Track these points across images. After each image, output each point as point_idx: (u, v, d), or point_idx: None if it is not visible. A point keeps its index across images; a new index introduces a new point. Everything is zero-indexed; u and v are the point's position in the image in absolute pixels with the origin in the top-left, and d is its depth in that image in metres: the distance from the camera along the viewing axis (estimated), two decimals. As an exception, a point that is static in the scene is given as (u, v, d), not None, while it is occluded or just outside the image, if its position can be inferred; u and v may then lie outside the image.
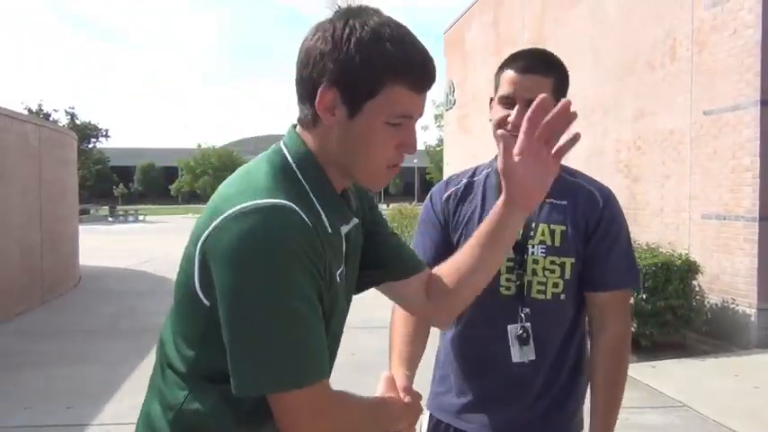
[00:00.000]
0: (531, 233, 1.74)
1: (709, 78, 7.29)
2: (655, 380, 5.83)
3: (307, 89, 1.16)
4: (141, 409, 1.31)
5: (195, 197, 59.49)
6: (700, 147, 7.47)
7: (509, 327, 1.74)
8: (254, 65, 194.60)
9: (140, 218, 39.60)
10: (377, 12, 1.16)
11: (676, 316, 6.56)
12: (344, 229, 1.22)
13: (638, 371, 6.10)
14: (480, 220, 1.68)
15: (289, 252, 1.07)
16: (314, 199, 1.16)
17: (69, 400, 5.06)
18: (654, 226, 8.32)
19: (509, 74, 1.71)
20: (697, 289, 7.22)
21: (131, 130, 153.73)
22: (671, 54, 8.00)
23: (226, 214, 1.09)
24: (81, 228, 13.27)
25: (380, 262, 1.39)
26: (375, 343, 6.76)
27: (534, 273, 1.74)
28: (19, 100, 77.89)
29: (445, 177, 1.92)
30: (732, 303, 6.93)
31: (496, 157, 1.76)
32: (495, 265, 1.39)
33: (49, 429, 4.52)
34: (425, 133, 42.05)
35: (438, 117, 30.95)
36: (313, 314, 1.10)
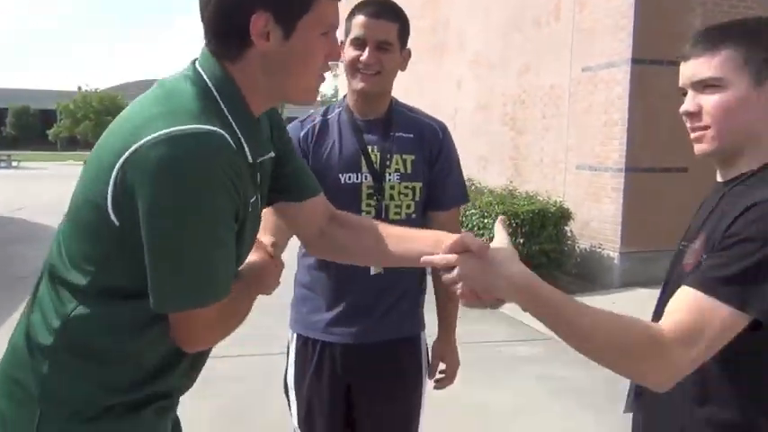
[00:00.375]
0: (388, 162, 1.97)
1: (588, 37, 7.72)
2: (526, 317, 6.26)
3: (231, 21, 1.16)
4: (11, 336, 1.27)
5: (75, 143, 56.10)
6: (577, 102, 7.94)
7: None
8: (138, 7, 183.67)
9: (14, 164, 36.97)
10: None
11: (549, 259, 7.06)
12: (259, 160, 1.25)
13: (513, 308, 6.52)
14: (339, 154, 1.97)
15: (215, 179, 1.10)
16: (235, 126, 1.17)
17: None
18: (534, 176, 8.80)
19: (360, 18, 1.90)
20: (569, 235, 7.79)
21: (5, 69, 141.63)
22: (555, 13, 8.37)
23: (153, 136, 1.08)
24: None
25: (282, 184, 1.41)
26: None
27: (391, 197, 1.98)
28: None
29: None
30: (599, 248, 7.53)
31: (345, 96, 2.04)
32: (396, 265, 1.55)
33: None
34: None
35: (333, 66, 30.60)
36: (230, 241, 1.16)
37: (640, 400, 1.36)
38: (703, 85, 1.23)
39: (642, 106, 7.05)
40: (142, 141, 1.08)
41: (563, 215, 7.26)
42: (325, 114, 2.04)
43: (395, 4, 1.97)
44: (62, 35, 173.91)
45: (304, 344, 2.03)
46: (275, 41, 1.16)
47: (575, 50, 7.96)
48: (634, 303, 6.61)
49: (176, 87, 1.18)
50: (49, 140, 58.30)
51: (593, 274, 7.58)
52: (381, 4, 1.93)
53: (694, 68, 1.24)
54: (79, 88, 52.06)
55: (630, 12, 6.98)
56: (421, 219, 2.02)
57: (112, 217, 1.13)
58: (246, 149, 1.19)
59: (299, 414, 2.05)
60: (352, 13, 1.94)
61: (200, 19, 1.20)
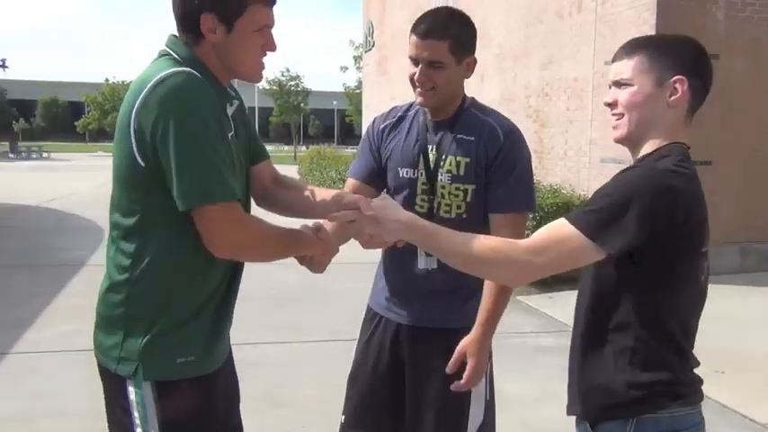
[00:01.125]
0: (441, 163, 2.08)
1: (610, 29, 7.73)
2: (551, 309, 6.38)
3: (188, 19, 1.54)
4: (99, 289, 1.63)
5: (103, 134, 56.82)
6: (601, 94, 7.96)
7: None
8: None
9: (45, 155, 37.71)
10: None
11: (573, 251, 7.13)
12: (230, 110, 1.62)
13: (538, 301, 6.65)
14: (402, 149, 2.13)
15: (206, 102, 1.48)
16: (206, 89, 1.52)
17: (-15, 331, 5.06)
18: (558, 169, 8.85)
19: (413, 38, 2.02)
20: (592, 227, 7.84)
21: (32, 62, 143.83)
22: (578, 4, 8.38)
23: (150, 84, 1.46)
24: (-19, 164, 12.63)
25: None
26: (297, 279, 7.08)
27: (442, 196, 2.08)
28: None
29: (368, 118, 2.21)
30: (622, 240, 7.56)
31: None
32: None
33: (-35, 359, 4.55)
34: (345, 75, 41.74)
35: (357, 59, 30.68)
36: (227, 155, 1.51)
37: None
38: (620, 84, 1.54)
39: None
40: (144, 91, 1.46)
41: (586, 207, 7.32)
42: (405, 111, 2.21)
43: (448, 19, 2.05)
44: (89, 24, 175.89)
45: (370, 315, 2.26)
46: (221, 35, 1.54)
47: (598, 42, 7.98)
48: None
49: (157, 64, 1.55)
50: (77, 132, 59.23)
51: (615, 266, 7.63)
52: (431, 23, 2.01)
53: (616, 69, 1.56)
54: (107, 80, 52.45)
55: (653, 4, 6.99)
56: (476, 220, 2.05)
57: (138, 158, 1.47)
58: (216, 97, 1.56)
59: (349, 373, 2.27)
60: (410, 31, 2.03)
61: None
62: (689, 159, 1.50)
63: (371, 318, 2.25)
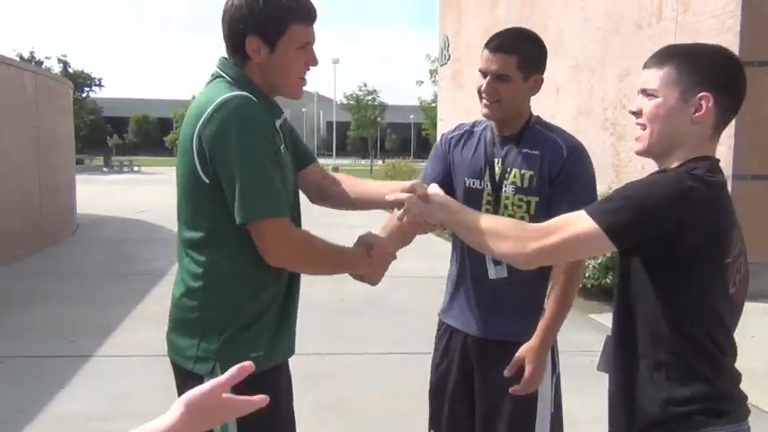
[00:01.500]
0: (506, 175, 2.17)
1: (692, 39, 7.46)
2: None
3: (235, 42, 1.68)
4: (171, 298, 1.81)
5: (190, 149, 58.96)
6: (680, 106, 7.69)
7: None
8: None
9: (135, 168, 39.65)
10: None
11: (649, 268, 6.88)
12: (278, 122, 1.76)
13: (610, 319, 6.45)
14: (470, 161, 2.25)
15: (262, 125, 1.63)
16: (254, 106, 1.66)
17: (72, 334, 5.39)
18: (635, 183, 8.58)
19: (484, 52, 2.13)
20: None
21: (126, 82, 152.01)
22: (657, 14, 8.14)
23: (210, 107, 1.59)
24: (77, 177, 13.45)
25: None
26: (362, 291, 7.05)
27: (506, 207, 2.16)
28: (10, 47, 76.50)
29: (441, 131, 2.31)
30: (703, 257, 7.24)
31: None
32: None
33: (54, 360, 4.85)
34: (420, 88, 41.92)
35: (433, 73, 30.79)
36: (277, 174, 1.65)
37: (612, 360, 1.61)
38: (647, 93, 1.50)
39: (751, 110, 6.74)
40: (205, 114, 1.60)
41: (664, 223, 7.06)
42: (474, 126, 2.33)
43: (520, 37, 2.17)
44: (176, 42, 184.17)
45: (443, 328, 2.34)
46: (264, 56, 1.67)
47: (678, 53, 7.71)
48: (754, 320, 6.32)
49: (214, 87, 1.68)
50: (165, 147, 62.00)
51: (696, 284, 7.31)
52: (503, 38, 2.12)
53: (645, 77, 1.52)
54: (193, 97, 54.68)
55: (738, 11, 6.70)
56: None
57: (202, 176, 1.62)
58: (269, 114, 1.71)
59: (429, 385, 2.36)
60: (484, 45, 2.15)
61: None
62: (717, 171, 1.48)
63: (444, 330, 2.33)
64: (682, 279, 1.42)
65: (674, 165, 1.50)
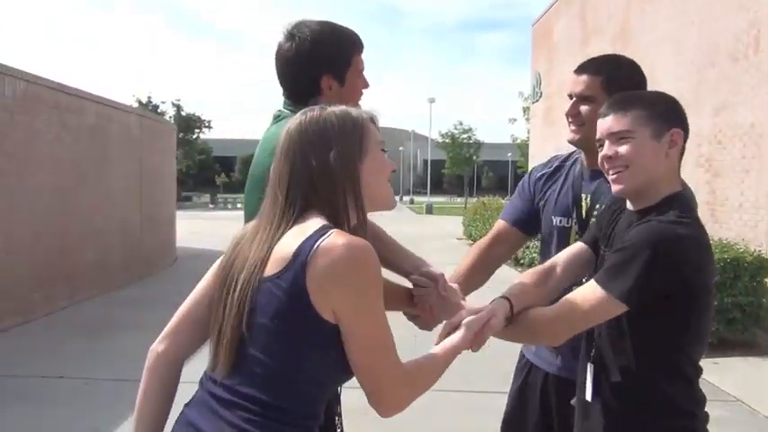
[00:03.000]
0: (594, 212, 2.03)
1: (791, 70, 7.04)
2: (714, 376, 5.75)
3: (305, 82, 1.83)
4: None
5: (290, 187, 60.95)
6: (780, 141, 7.23)
7: None
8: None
9: (239, 205, 41.47)
10: (302, 20, 1.86)
11: (745, 314, 6.43)
12: None
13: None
14: (557, 198, 2.13)
15: None
16: None
17: (153, 361, 5.65)
18: (732, 223, 8.10)
19: (572, 75, 2.08)
20: (773, 288, 7.03)
21: (234, 123, 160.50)
22: (754, 45, 7.74)
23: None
24: (184, 213, 14.28)
25: None
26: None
27: None
28: (130, 92, 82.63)
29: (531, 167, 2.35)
30: (809, 303, 6.69)
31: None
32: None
33: (135, 383, 5.11)
34: (513, 126, 41.61)
35: (526, 110, 30.52)
36: None
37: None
38: (618, 137, 1.57)
39: None
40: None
41: (762, 266, 6.58)
42: (564, 161, 2.23)
43: (607, 59, 2.13)
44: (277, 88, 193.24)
45: (523, 362, 2.26)
46: (335, 90, 1.83)
47: (777, 85, 7.29)
48: None
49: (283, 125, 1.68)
50: (268, 185, 64.59)
51: (800, 333, 6.75)
52: (589, 62, 2.07)
53: (611, 123, 1.59)
54: None
55: (841, 41, 6.28)
56: None
57: None
58: None
59: (503, 420, 2.29)
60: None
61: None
62: (693, 209, 1.61)
63: (523, 365, 2.24)
64: (679, 323, 1.52)
65: (653, 200, 1.58)
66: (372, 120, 1.40)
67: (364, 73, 1.93)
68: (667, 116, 1.58)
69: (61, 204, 7.95)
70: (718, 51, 8.51)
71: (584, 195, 2.07)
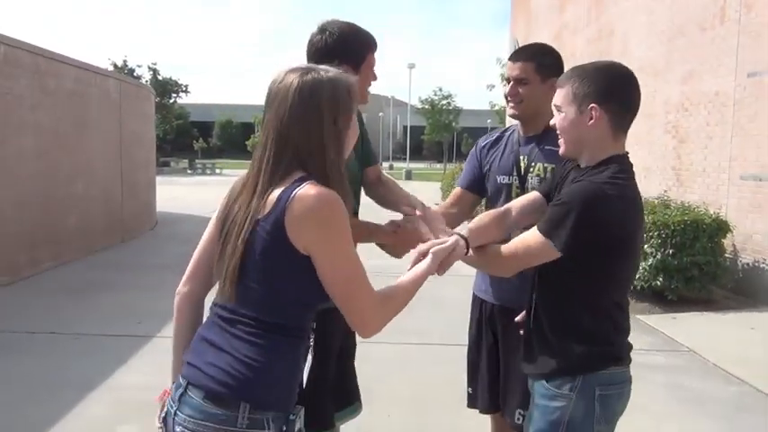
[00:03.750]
0: (531, 169, 2.48)
1: (755, 40, 7.31)
2: (672, 329, 6.15)
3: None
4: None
5: (270, 153, 60.61)
6: (742, 109, 7.54)
7: None
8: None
9: (217, 171, 41.35)
10: (333, 19, 2.31)
11: (702, 272, 6.79)
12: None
13: (659, 321, 6.43)
14: (500, 160, 2.59)
15: None
16: None
17: (140, 317, 5.90)
18: (696, 186, 8.45)
19: (508, 63, 2.53)
20: (731, 248, 7.41)
21: (211, 88, 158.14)
22: (720, 15, 8.00)
23: None
24: (162, 179, 14.35)
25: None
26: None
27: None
28: (105, 56, 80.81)
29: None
30: (763, 263, 7.09)
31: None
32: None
33: (120, 338, 5.36)
34: (491, 93, 41.71)
35: (503, 76, 30.61)
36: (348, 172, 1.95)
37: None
38: (557, 108, 1.86)
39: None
40: None
41: (720, 227, 6.94)
42: (503, 132, 2.71)
43: (538, 46, 2.57)
44: (261, 53, 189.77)
45: (475, 300, 2.73)
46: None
47: (740, 55, 7.57)
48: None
49: None
50: (247, 150, 64.12)
51: (755, 291, 7.15)
52: (522, 49, 2.54)
53: (556, 95, 1.86)
54: None
55: (800, 12, 6.55)
56: None
57: None
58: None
59: (467, 348, 2.74)
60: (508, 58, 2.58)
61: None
62: (627, 171, 1.81)
63: (475, 301, 2.72)
64: (599, 269, 1.78)
65: (588, 162, 1.85)
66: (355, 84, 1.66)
67: (375, 69, 2.34)
68: (590, 91, 1.78)
69: (44, 169, 8.05)
70: (688, 21, 8.76)
71: (521, 157, 2.52)
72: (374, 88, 2.54)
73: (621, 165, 1.80)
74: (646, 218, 7.07)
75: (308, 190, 1.46)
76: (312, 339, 1.86)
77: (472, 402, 2.72)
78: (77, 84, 8.97)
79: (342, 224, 1.49)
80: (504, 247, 1.86)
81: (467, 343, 2.75)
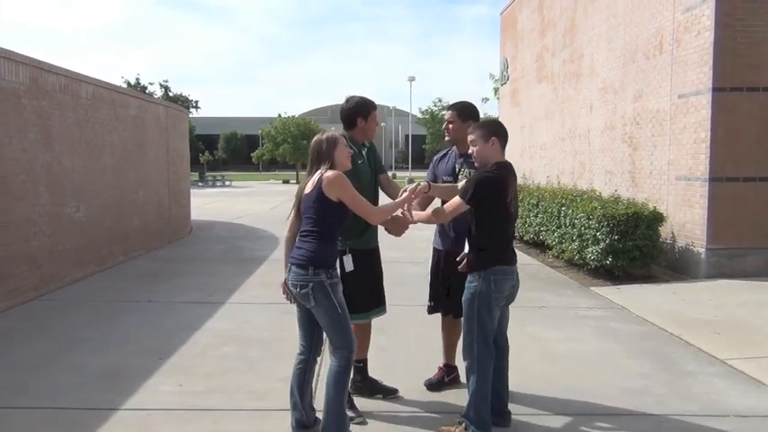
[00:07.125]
0: (461, 172, 4.42)
1: (682, 69, 9.21)
2: (613, 295, 8.00)
3: (350, 120, 4.31)
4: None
5: (274, 164, 62.12)
6: (675, 123, 9.43)
7: None
8: (326, 37, 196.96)
9: (227, 183, 43.26)
10: (353, 95, 4.34)
11: (642, 253, 8.66)
12: (364, 151, 4.30)
13: (606, 291, 8.27)
14: (444, 167, 4.66)
15: (353, 153, 4.01)
16: (352, 144, 4.16)
17: (210, 292, 7.82)
18: (646, 186, 10.32)
19: (445, 110, 4.73)
20: (669, 235, 9.28)
21: (218, 102, 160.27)
22: (659, 47, 9.91)
23: None
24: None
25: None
26: (418, 271, 9.51)
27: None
28: (118, 74, 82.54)
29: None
30: (691, 245, 8.96)
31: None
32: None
33: (202, 305, 7.26)
34: (485, 105, 43.52)
35: (496, 91, 32.56)
36: (354, 178, 3.84)
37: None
38: (473, 144, 3.85)
39: (723, 126, 8.47)
40: None
41: (656, 217, 8.82)
42: (448, 150, 4.63)
43: (459, 104, 4.52)
44: (263, 65, 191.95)
45: (434, 250, 4.66)
46: (361, 124, 4.32)
47: (674, 80, 9.47)
48: (719, 291, 8.04)
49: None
50: (252, 162, 65.56)
51: (686, 267, 9.02)
52: (452, 104, 4.55)
53: (471, 137, 3.85)
54: (279, 115, 56.23)
55: (710, 49, 8.45)
56: None
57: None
58: (355, 148, 4.17)
59: (429, 276, 4.70)
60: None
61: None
62: (500, 167, 3.75)
63: (433, 251, 4.63)
64: (489, 212, 3.75)
65: (488, 165, 3.76)
66: (342, 136, 3.77)
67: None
68: (489, 132, 3.75)
69: (117, 181, 9.98)
70: (637, 50, 10.66)
71: (457, 166, 4.43)
72: (376, 99, 4.37)
73: (497, 165, 3.73)
74: (598, 211, 9.01)
75: (328, 173, 3.55)
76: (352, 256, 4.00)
77: (432, 310, 4.63)
78: (138, 111, 10.93)
79: (345, 182, 3.55)
80: (446, 206, 3.82)
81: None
